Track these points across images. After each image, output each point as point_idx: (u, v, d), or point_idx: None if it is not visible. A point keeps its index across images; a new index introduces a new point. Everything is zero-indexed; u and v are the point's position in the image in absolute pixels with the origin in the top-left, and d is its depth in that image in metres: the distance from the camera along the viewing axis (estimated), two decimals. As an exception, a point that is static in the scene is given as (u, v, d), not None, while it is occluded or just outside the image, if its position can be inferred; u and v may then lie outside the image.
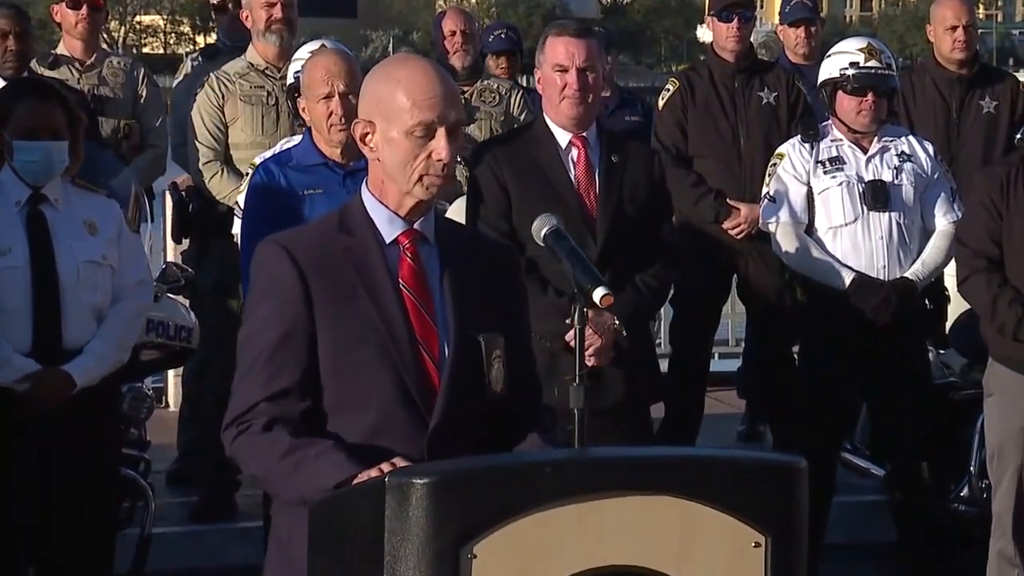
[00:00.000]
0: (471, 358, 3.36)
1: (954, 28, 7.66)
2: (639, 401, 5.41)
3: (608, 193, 5.27)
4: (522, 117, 7.46)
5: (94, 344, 5.12)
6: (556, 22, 5.58)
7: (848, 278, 6.22)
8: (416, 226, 3.42)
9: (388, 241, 3.41)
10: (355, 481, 3.15)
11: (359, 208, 3.44)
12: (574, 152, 5.33)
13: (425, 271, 3.42)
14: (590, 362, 5.09)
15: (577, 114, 5.27)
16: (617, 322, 5.18)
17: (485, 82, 7.58)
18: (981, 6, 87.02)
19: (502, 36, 8.42)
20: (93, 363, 5.10)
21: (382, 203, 3.42)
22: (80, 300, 5.09)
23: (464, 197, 6.31)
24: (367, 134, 3.40)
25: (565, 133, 5.32)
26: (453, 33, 7.53)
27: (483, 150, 5.51)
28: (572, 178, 5.29)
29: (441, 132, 3.34)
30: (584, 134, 5.32)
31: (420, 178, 3.36)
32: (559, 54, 5.25)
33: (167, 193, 8.14)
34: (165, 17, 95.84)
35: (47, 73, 7.40)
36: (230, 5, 7.86)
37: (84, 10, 7.53)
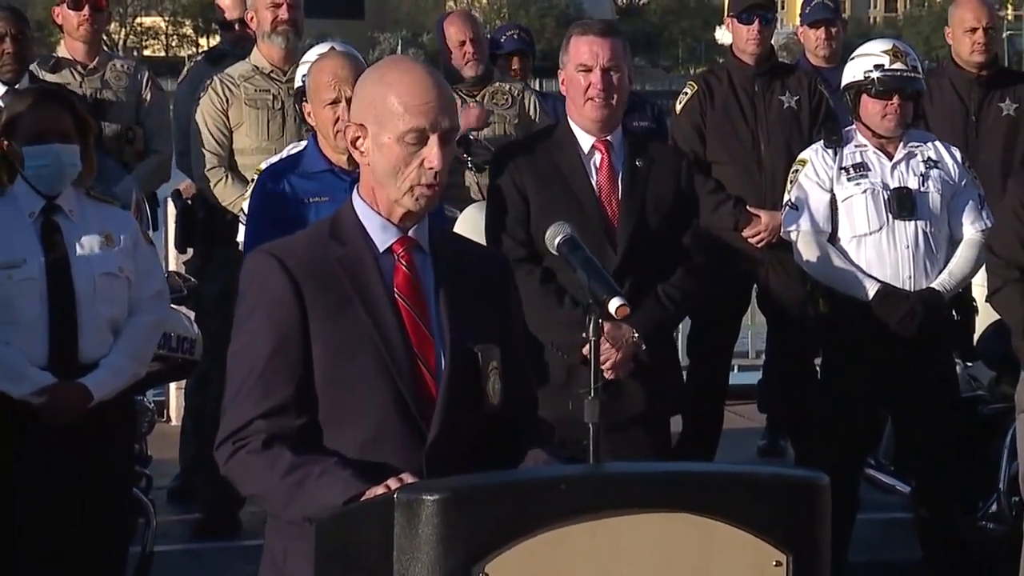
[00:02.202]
0: (468, 370, 3.37)
1: (973, 30, 7.68)
2: (658, 415, 5.41)
3: (631, 201, 5.26)
4: (537, 119, 7.46)
5: (111, 358, 5.14)
6: (580, 22, 5.57)
7: (872, 288, 6.21)
8: (410, 234, 3.43)
9: (382, 249, 3.41)
10: (363, 498, 3.15)
11: (351, 215, 3.44)
12: (597, 157, 5.32)
13: (420, 280, 3.42)
14: (608, 376, 5.10)
15: (601, 116, 5.26)
16: (636, 335, 5.18)
17: (496, 84, 7.59)
18: (1010, 6, 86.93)
19: (514, 36, 8.44)
20: (110, 377, 5.12)
21: (375, 210, 3.42)
22: (97, 312, 5.11)
23: (475, 205, 6.33)
24: (358, 138, 3.40)
25: (588, 137, 5.31)
26: (463, 43, 7.51)
27: (504, 155, 5.50)
28: (594, 184, 5.28)
29: (433, 140, 3.34)
30: (608, 137, 5.32)
31: (411, 187, 3.36)
32: (583, 54, 5.24)
33: (170, 200, 8.17)
34: (167, 19, 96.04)
35: (48, 77, 7.42)
36: (236, 26, 7.87)
37: (86, 11, 7.55)
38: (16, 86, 6.83)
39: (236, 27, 7.90)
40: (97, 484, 5.15)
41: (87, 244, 5.12)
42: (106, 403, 5.11)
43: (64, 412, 5.03)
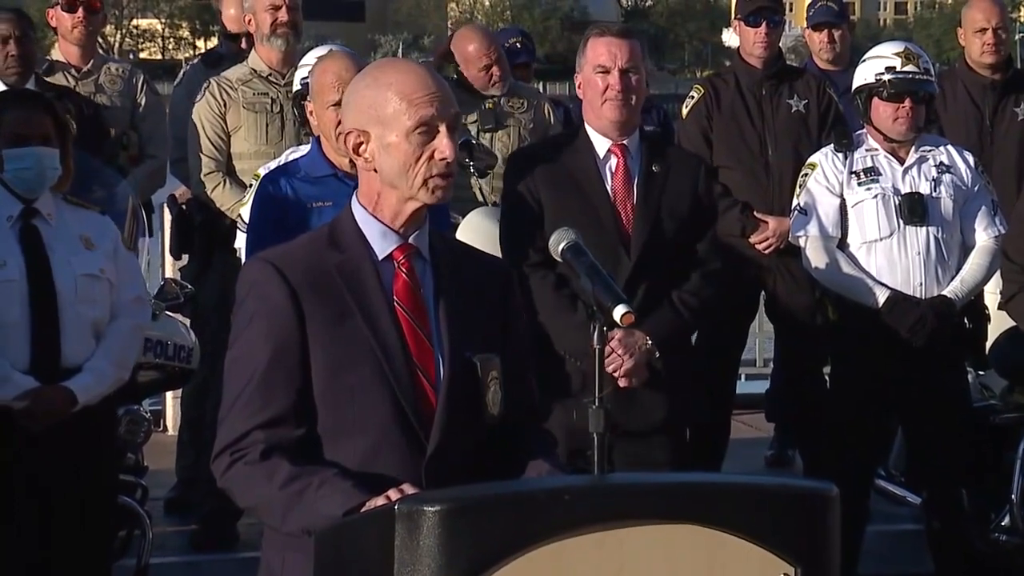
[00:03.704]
0: (467, 380, 3.38)
1: (984, 31, 7.67)
2: (675, 425, 5.41)
3: (646, 206, 5.27)
4: (553, 124, 7.46)
5: (94, 362, 5.14)
6: (598, 24, 5.60)
7: (882, 296, 6.20)
8: (411, 240, 3.43)
9: (381, 257, 3.42)
10: (363, 509, 3.15)
11: (350, 222, 3.44)
12: (612, 161, 5.33)
13: (420, 288, 3.43)
14: (622, 383, 5.10)
15: (619, 117, 5.27)
16: (649, 342, 5.17)
17: (513, 90, 7.59)
18: (1022, 8, 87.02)
19: (517, 45, 8.44)
20: (93, 381, 5.12)
21: (375, 217, 3.42)
22: (79, 315, 5.11)
23: (478, 210, 6.34)
24: (361, 144, 3.41)
25: (604, 140, 5.32)
26: (488, 67, 7.49)
27: (518, 160, 5.51)
28: (608, 189, 5.29)
29: (442, 129, 3.35)
30: (624, 141, 5.33)
31: (424, 181, 3.36)
32: (601, 55, 5.26)
33: (165, 206, 8.17)
34: (163, 21, 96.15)
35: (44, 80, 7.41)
36: (243, 41, 7.85)
37: (81, 13, 7.55)
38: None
39: (243, 41, 7.85)
40: (81, 491, 5.14)
41: (67, 247, 5.13)
42: (87, 411, 5.10)
43: (47, 416, 5.02)
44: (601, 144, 5.33)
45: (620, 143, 5.32)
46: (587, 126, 5.37)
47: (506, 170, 5.55)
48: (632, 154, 5.34)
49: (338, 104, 5.30)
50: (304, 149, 5.80)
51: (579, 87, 5.38)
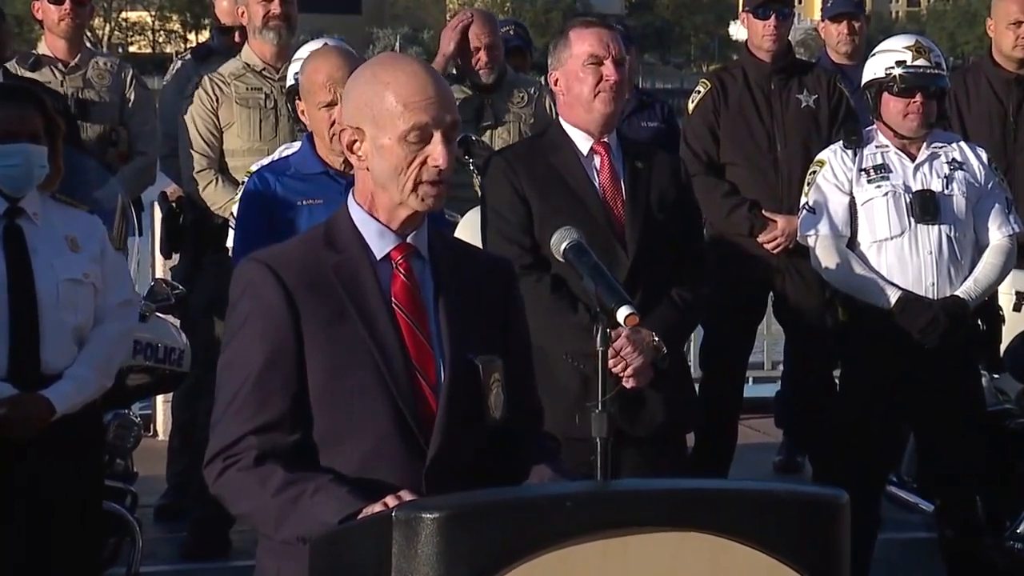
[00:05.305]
0: (469, 383, 3.38)
1: (1018, 23, 7.66)
2: (678, 429, 5.41)
3: (635, 202, 5.26)
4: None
5: (75, 369, 5.11)
6: (578, 17, 5.58)
7: (894, 296, 6.21)
8: (409, 240, 3.43)
9: (379, 257, 3.42)
10: (359, 516, 3.16)
11: (347, 222, 3.44)
12: (597, 159, 5.31)
13: (419, 289, 3.43)
14: (629, 384, 5.08)
15: (614, 110, 5.24)
16: (656, 339, 5.17)
17: (512, 83, 7.59)
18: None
19: (511, 32, 8.44)
20: (73, 389, 5.10)
21: (372, 216, 3.42)
22: (60, 321, 5.09)
23: (477, 209, 6.33)
24: (355, 142, 3.40)
25: (586, 139, 5.30)
26: (478, 49, 7.51)
27: (497, 162, 5.49)
28: (597, 186, 5.28)
29: (437, 136, 3.35)
30: (606, 139, 5.32)
31: (415, 187, 3.36)
32: (594, 44, 5.20)
33: (156, 204, 8.19)
34: (153, 13, 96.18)
35: (27, 75, 7.42)
36: (236, 34, 7.86)
37: (67, 5, 7.55)
38: None
39: (236, 35, 7.85)
40: (68, 496, 5.14)
41: (51, 249, 5.11)
42: (72, 417, 5.09)
43: (24, 426, 5.01)
44: (583, 142, 5.29)
45: (603, 141, 5.30)
46: (565, 124, 5.32)
47: (486, 173, 5.52)
48: (614, 152, 5.33)
49: (329, 105, 5.30)
50: (297, 146, 5.80)
51: (555, 83, 5.33)
